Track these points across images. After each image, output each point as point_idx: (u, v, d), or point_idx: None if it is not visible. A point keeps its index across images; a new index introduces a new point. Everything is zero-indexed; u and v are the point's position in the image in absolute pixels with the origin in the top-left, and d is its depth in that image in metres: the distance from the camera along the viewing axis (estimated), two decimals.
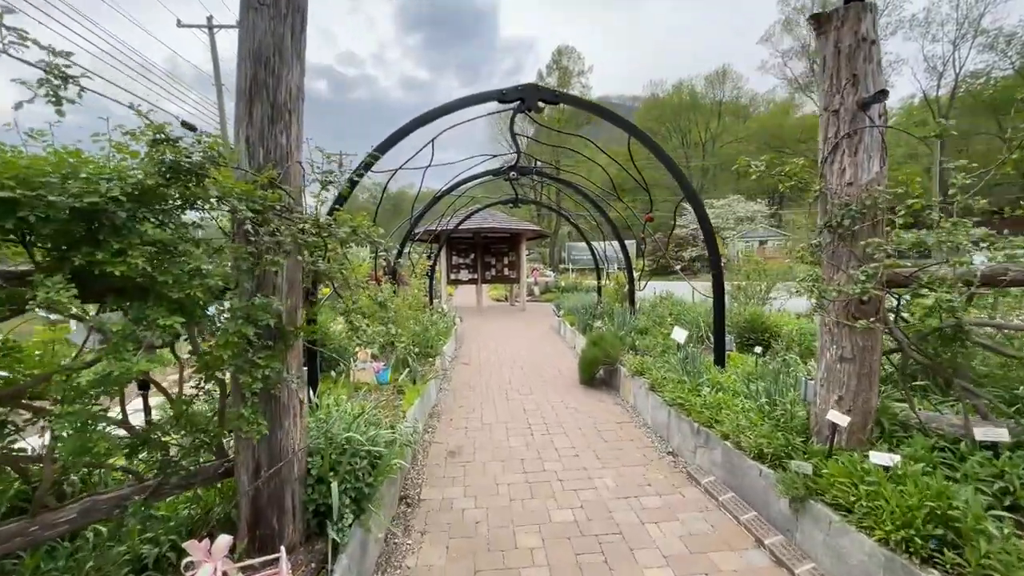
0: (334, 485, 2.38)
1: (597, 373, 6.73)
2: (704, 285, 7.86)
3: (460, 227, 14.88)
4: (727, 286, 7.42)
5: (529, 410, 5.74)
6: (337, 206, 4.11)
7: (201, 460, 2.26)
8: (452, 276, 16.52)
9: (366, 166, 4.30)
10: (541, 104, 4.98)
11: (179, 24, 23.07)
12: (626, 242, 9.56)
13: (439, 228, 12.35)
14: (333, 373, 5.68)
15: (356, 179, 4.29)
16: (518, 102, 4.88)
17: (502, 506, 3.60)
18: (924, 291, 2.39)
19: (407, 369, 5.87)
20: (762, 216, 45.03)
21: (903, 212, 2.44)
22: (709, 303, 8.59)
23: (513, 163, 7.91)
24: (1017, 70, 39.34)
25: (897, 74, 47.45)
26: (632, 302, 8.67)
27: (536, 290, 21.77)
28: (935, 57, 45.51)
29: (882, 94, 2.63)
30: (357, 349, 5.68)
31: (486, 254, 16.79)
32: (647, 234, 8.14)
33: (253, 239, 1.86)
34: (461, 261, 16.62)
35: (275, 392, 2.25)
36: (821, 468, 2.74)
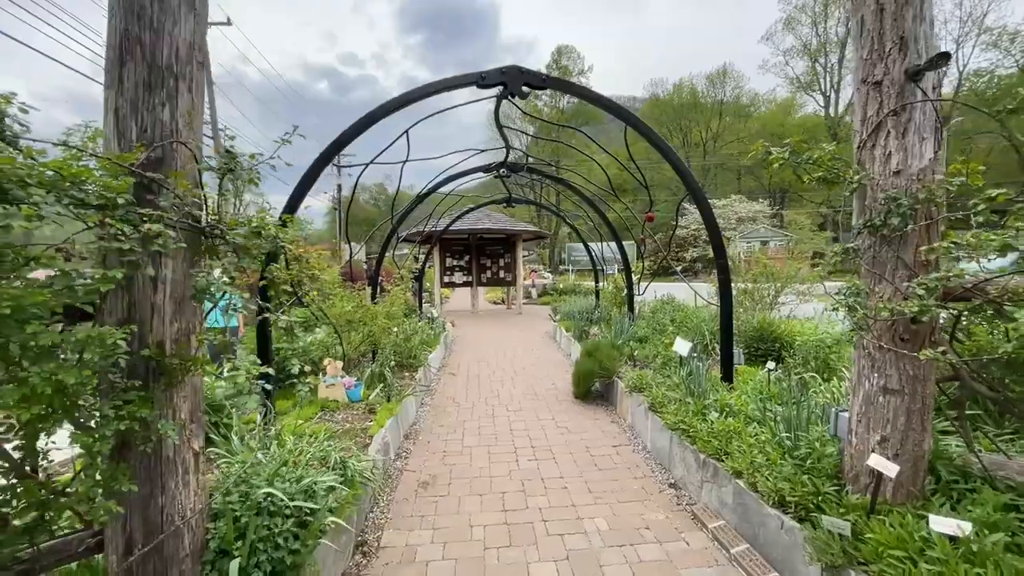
0: (233, 564, 1.83)
1: (592, 386, 6.17)
2: (707, 287, 7.28)
3: (455, 228, 14.34)
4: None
5: (516, 430, 5.18)
6: (287, 214, 3.58)
7: (52, 534, 1.71)
8: (446, 279, 15.99)
9: (324, 159, 3.76)
10: (526, 89, 4.43)
11: None
12: (625, 244, 9.02)
13: (427, 229, 11.80)
14: (301, 388, 5.15)
15: (315, 173, 3.76)
16: (500, 87, 4.34)
17: (474, 557, 3.05)
18: (1010, 309, 1.83)
19: (382, 384, 5.32)
20: (764, 216, 44.60)
21: (982, 207, 1.88)
22: (713, 309, 8.05)
23: (503, 159, 7.37)
24: (1021, 68, 38.80)
25: None
26: (631, 307, 8.12)
27: (534, 293, 21.24)
28: None
29: (941, 58, 2.08)
30: (326, 362, 5.15)
31: (481, 256, 16.26)
32: (647, 234, 7.59)
33: (61, 248, 1.31)
34: (455, 263, 16.08)
35: (147, 448, 1.69)
36: (863, 529, 2.19)
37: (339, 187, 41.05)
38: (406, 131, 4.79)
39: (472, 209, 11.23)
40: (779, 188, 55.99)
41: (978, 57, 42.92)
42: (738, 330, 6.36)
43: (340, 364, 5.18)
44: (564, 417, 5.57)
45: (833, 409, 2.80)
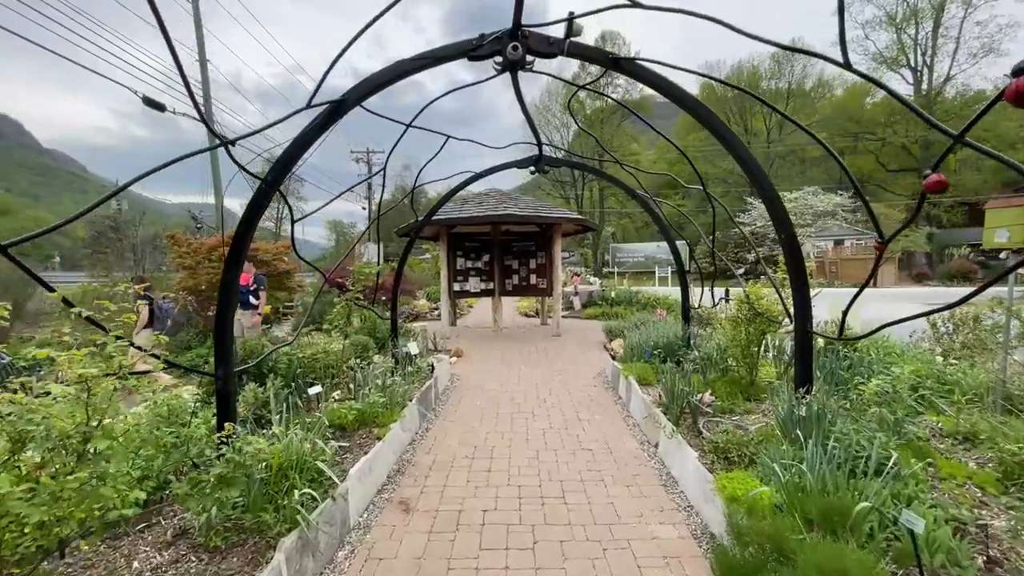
0: None
1: None
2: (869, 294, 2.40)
3: (466, 215, 10.22)
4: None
5: None
6: None
7: None
8: (456, 286, 11.81)
9: None
10: None
11: None
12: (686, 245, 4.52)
13: (418, 218, 7.66)
14: None
15: None
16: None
17: None
18: None
19: None
20: (844, 211, 37.88)
21: None
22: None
23: (498, 33, 3.12)
24: None
25: (1011, 40, 39.86)
26: (808, 361, 3.58)
27: (576, 303, 16.76)
28: None
29: None
30: None
31: (506, 255, 12.01)
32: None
33: None
34: (470, 265, 11.88)
35: None
36: None
37: (369, 185, 38.04)
38: None
39: (477, 177, 6.97)
40: (854, 179, 48.39)
41: None
42: None
43: None
44: None
45: None
